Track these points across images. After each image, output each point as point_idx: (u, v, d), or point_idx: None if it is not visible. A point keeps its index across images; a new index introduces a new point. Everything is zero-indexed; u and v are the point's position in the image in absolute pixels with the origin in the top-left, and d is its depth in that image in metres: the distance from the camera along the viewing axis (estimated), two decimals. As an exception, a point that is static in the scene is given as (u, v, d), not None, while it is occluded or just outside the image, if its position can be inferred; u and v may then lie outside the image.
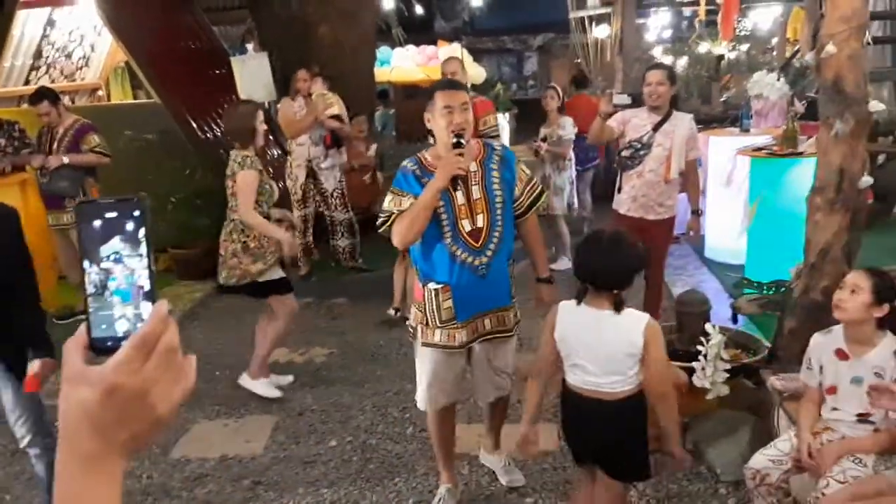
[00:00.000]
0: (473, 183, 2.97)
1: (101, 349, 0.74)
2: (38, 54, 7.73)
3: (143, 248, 0.74)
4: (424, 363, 3.17)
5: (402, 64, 13.64)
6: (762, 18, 12.87)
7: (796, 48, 9.91)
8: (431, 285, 3.00)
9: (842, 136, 3.31)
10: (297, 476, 3.71)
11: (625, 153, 4.56)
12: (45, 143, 5.59)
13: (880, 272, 2.70)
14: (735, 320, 4.66)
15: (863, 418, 2.66)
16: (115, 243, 0.73)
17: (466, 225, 2.95)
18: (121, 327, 0.75)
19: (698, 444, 3.58)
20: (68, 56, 8.26)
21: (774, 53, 12.51)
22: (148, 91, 7.20)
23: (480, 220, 2.96)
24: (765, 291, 5.31)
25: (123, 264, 0.74)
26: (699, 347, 3.56)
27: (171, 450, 3.97)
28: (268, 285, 4.38)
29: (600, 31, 12.13)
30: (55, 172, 5.50)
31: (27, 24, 7.37)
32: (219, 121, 7.57)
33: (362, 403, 4.44)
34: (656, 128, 4.45)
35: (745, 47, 12.73)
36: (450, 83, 3.17)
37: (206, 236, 6.68)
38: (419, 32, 15.52)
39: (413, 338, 3.19)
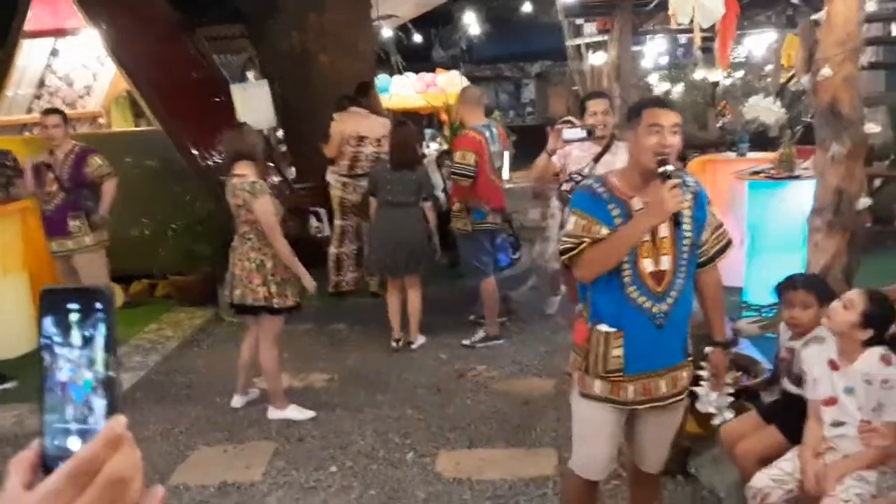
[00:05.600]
0: None
1: (53, 468, 0.60)
2: (40, 83, 7.79)
3: (101, 347, 0.61)
4: (581, 419, 2.75)
5: (400, 91, 13.77)
6: (757, 45, 13.01)
7: (791, 73, 10.01)
8: (602, 327, 2.58)
9: (839, 158, 3.34)
10: (297, 503, 3.68)
11: (565, 187, 4.25)
12: (45, 170, 5.60)
13: (883, 300, 2.70)
14: (735, 343, 4.65)
15: None
16: (73, 335, 0.61)
17: (649, 265, 2.53)
18: (74, 444, 0.61)
19: (701, 468, 3.56)
20: (70, 85, 8.32)
21: (769, 80, 12.64)
22: (149, 119, 7.25)
23: (665, 262, 2.55)
24: (764, 313, 5.31)
25: (76, 362, 0.61)
26: (700, 372, 3.55)
27: (169, 476, 3.94)
28: (282, 311, 4.43)
29: (597, 59, 12.23)
30: (80, 194, 5.51)
31: (31, 54, 7.43)
32: (220, 148, 7.63)
33: (362, 429, 4.42)
34: (597, 159, 4.20)
35: (740, 74, 12.86)
36: (661, 100, 2.82)
37: (206, 263, 6.70)
38: (418, 60, 15.65)
39: (570, 387, 2.79)
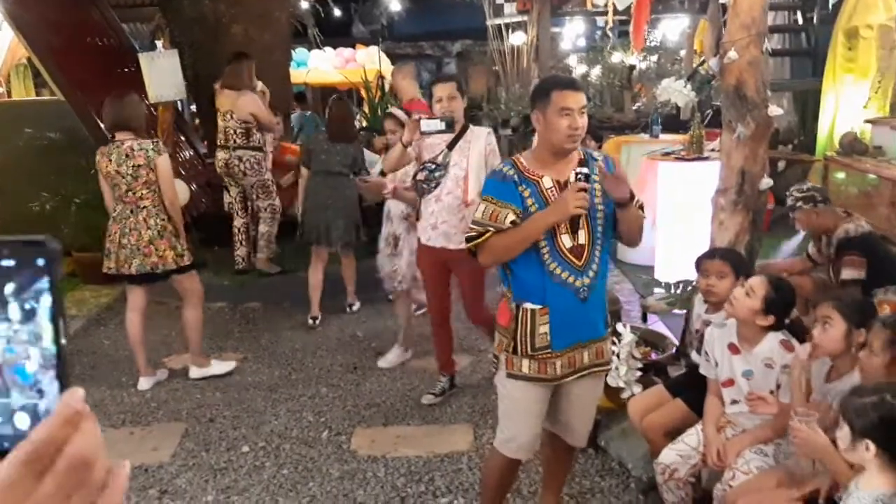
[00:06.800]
0: None
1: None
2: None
3: (46, 311, 0.52)
4: (509, 399, 2.73)
5: (319, 66, 13.53)
6: (671, 30, 13.30)
7: (703, 58, 10.29)
8: (527, 305, 2.60)
9: (743, 139, 3.43)
10: (207, 484, 3.60)
11: (420, 176, 4.02)
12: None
13: (784, 287, 2.79)
14: (645, 319, 4.78)
15: None
16: (7, 300, 0.52)
17: (566, 241, 2.56)
18: (21, 422, 0.53)
19: (610, 440, 3.65)
20: (-35, 52, 7.88)
21: (683, 64, 12.97)
22: (52, 89, 6.91)
23: (582, 237, 2.58)
24: (672, 290, 5.46)
25: (16, 330, 0.52)
26: (612, 347, 3.63)
27: (72, 460, 3.80)
28: (187, 269, 4.46)
29: (516, 39, 12.29)
30: None
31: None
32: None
33: (276, 409, 4.35)
34: (451, 146, 3.96)
35: (655, 58, 13.14)
36: (569, 81, 2.74)
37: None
38: (337, 35, 15.40)
39: (496, 368, 2.75)
